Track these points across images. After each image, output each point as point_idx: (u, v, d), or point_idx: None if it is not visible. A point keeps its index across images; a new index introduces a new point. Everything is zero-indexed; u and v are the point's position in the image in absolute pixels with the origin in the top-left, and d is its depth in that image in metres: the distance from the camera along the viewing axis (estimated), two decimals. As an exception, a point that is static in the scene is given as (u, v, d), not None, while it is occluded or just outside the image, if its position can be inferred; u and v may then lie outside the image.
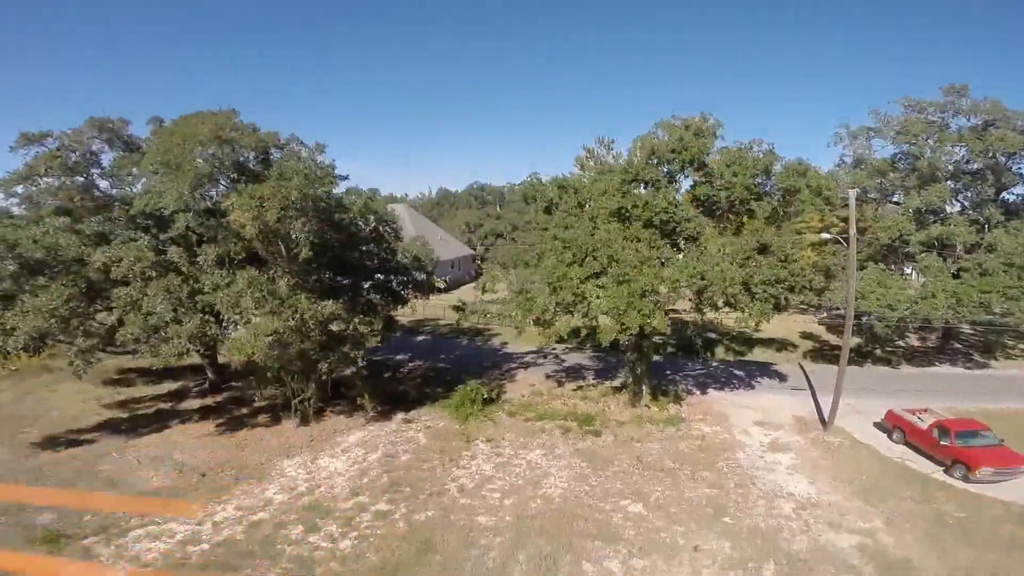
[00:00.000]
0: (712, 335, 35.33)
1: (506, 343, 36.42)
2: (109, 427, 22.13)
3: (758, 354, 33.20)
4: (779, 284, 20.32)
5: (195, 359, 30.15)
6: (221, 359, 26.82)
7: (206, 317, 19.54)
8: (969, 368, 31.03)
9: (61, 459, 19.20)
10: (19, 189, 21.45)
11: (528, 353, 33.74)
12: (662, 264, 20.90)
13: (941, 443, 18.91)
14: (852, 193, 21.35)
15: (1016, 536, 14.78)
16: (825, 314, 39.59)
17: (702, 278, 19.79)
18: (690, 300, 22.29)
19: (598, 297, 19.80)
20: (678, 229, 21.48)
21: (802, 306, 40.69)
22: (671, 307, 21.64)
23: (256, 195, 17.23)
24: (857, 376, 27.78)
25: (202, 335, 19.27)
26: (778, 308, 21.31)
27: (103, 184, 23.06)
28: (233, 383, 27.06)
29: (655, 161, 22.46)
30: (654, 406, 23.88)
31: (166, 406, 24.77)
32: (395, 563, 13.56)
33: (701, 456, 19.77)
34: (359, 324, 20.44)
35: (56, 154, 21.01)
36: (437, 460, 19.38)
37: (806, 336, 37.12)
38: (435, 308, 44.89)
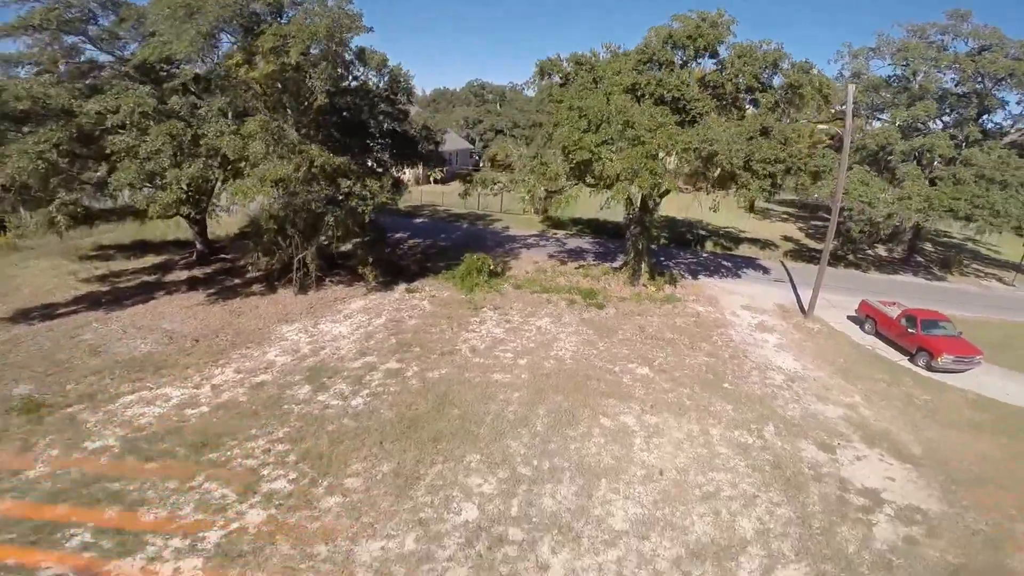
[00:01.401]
0: (702, 232, 35.26)
1: (507, 227, 35.24)
2: (88, 300, 19.79)
3: (744, 250, 33.18)
4: (778, 164, 20.56)
5: (181, 233, 27.83)
6: (211, 229, 24.59)
7: (210, 162, 17.43)
8: (928, 279, 31.98)
9: (37, 331, 16.98)
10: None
11: (530, 236, 33.01)
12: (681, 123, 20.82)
13: (908, 331, 19.39)
14: (851, 88, 21.19)
15: (974, 419, 15.39)
16: (813, 199, 39.75)
17: (711, 144, 19.54)
18: (699, 170, 21.87)
19: (611, 160, 19.24)
20: (688, 107, 21.40)
21: (787, 211, 41.30)
22: (677, 184, 21.32)
23: (281, 33, 15.53)
24: (831, 276, 28.03)
25: (204, 180, 17.29)
26: (775, 186, 21.73)
27: (89, 51, 20.06)
28: (223, 255, 24.99)
29: (670, 46, 22.23)
30: (651, 285, 23.86)
31: (150, 278, 22.51)
32: (412, 417, 12.94)
33: (697, 330, 19.73)
34: (368, 179, 18.76)
35: (53, 7, 17.94)
36: (445, 324, 18.60)
37: (787, 239, 37.29)
38: (431, 195, 42.98)
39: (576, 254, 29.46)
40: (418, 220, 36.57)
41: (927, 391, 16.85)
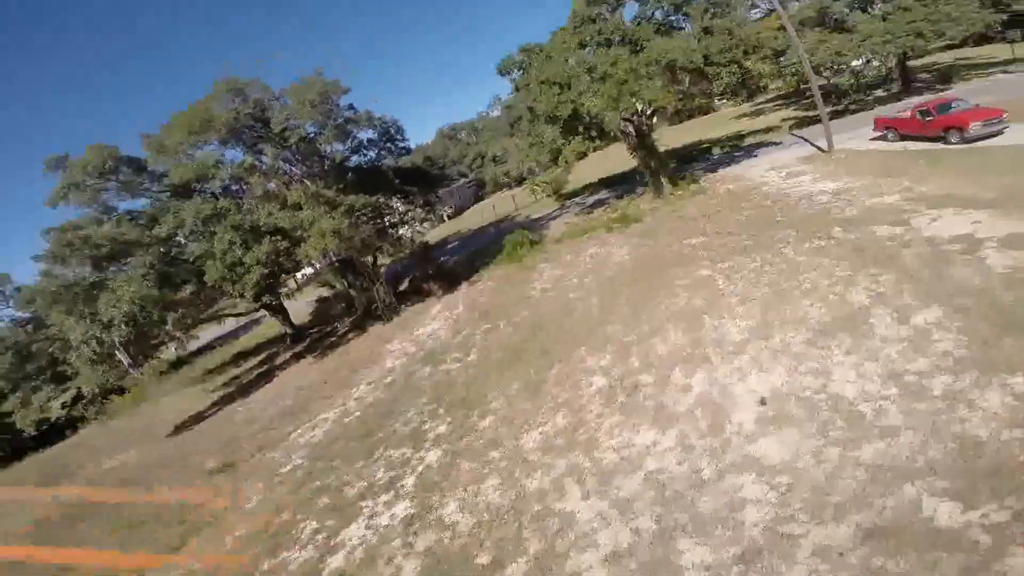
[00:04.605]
0: (705, 145, 34.51)
1: (528, 215, 35.61)
2: (224, 400, 21.60)
3: (750, 141, 31.83)
4: (735, 50, 20.95)
5: (269, 333, 29.90)
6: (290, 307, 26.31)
7: (274, 238, 18.78)
8: (936, 94, 30.17)
9: (198, 432, 18.78)
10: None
11: (552, 212, 33.41)
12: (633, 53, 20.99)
13: (927, 120, 18.61)
14: None
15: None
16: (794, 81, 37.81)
17: (667, 53, 20.08)
18: (667, 82, 22.09)
19: (592, 100, 19.59)
20: (634, 39, 21.87)
21: (777, 104, 40.31)
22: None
23: (285, 112, 17.49)
24: (841, 124, 26.90)
25: (276, 253, 18.53)
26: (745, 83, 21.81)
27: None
28: (310, 331, 26.66)
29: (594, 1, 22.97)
30: (676, 190, 23.47)
31: (263, 369, 24.40)
32: (515, 348, 13.62)
33: (732, 201, 19.35)
34: (402, 205, 19.91)
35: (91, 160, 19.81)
36: (511, 288, 19.26)
37: (786, 119, 35.26)
38: (449, 228, 44.17)
39: (599, 204, 29.49)
40: (449, 246, 37.85)
41: (972, 157, 15.86)
